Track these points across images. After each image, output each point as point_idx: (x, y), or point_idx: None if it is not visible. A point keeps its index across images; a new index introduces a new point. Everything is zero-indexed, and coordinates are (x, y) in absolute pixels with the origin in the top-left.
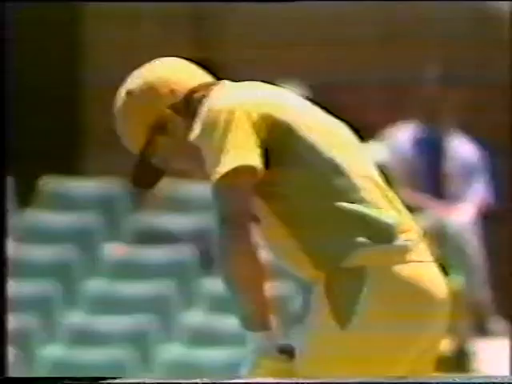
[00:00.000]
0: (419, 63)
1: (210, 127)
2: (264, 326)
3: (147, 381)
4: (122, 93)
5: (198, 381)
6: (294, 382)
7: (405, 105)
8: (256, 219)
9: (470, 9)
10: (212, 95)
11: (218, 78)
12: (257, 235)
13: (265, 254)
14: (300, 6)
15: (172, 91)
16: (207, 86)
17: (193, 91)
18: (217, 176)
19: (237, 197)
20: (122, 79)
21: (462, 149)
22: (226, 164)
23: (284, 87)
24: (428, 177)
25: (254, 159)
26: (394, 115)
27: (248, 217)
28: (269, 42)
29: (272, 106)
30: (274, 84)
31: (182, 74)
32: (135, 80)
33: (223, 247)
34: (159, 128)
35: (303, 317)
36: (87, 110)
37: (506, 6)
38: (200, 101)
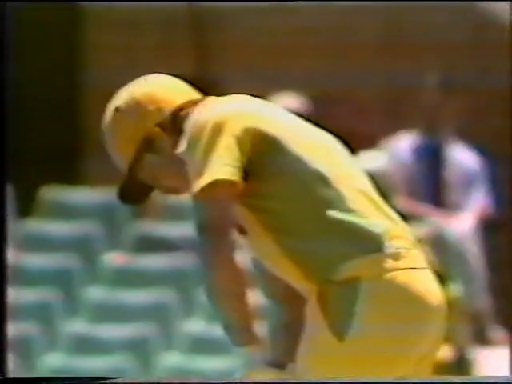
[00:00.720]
0: (419, 71)
1: (194, 140)
2: (249, 339)
3: (147, 381)
4: (110, 109)
5: (195, 381)
6: (293, 381)
7: (404, 113)
8: (243, 231)
9: (470, 15)
10: (198, 110)
11: (207, 95)
12: (240, 246)
13: (248, 265)
14: (299, 15)
15: (159, 109)
16: (194, 103)
17: (179, 108)
18: (195, 189)
19: (214, 209)
20: (123, 85)
21: (461, 156)
22: (205, 177)
23: (277, 100)
24: (427, 185)
25: (232, 173)
26: (394, 123)
27: (227, 229)
28: (268, 50)
29: (257, 119)
30: (270, 95)
31: (170, 92)
32: (123, 97)
33: (202, 259)
34: (147, 145)
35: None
36: (88, 117)
37: (506, 12)
38: (187, 117)
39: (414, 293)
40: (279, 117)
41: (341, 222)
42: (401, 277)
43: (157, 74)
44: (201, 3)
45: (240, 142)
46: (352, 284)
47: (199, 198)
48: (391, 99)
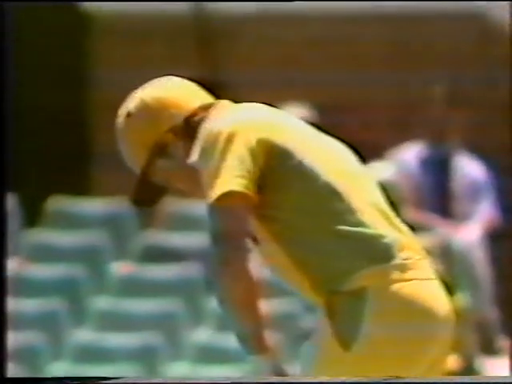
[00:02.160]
0: (425, 83)
1: (208, 149)
2: (262, 348)
3: (147, 381)
4: (122, 113)
5: (194, 381)
6: (293, 381)
7: (411, 124)
8: (256, 240)
9: (476, 28)
10: (211, 117)
11: (219, 99)
12: (253, 256)
13: (264, 272)
14: (307, 25)
15: (171, 115)
16: (207, 108)
17: (193, 114)
18: (209, 200)
19: (228, 219)
20: (130, 93)
21: (468, 167)
22: (218, 188)
23: (285, 110)
24: (435, 195)
25: (243, 185)
26: (401, 134)
27: (241, 239)
28: (276, 62)
29: (270, 129)
30: (278, 105)
31: (182, 97)
32: (135, 101)
33: (215, 269)
34: (159, 150)
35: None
36: (95, 127)
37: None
38: (200, 123)
39: (421, 303)
40: (292, 127)
41: (350, 234)
42: (408, 287)
43: (169, 77)
44: (208, 12)
45: (253, 153)
46: (359, 294)
47: (213, 208)
48: (398, 111)
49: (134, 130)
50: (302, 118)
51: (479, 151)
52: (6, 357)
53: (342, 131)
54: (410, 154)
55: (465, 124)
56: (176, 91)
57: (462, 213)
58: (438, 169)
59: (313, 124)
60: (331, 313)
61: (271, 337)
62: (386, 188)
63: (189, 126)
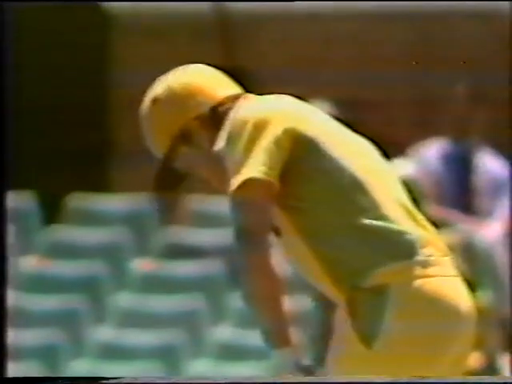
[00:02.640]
0: (448, 81)
1: (234, 138)
2: (284, 342)
3: (147, 381)
4: (148, 98)
5: (197, 380)
6: (293, 381)
7: (433, 121)
8: (278, 231)
9: (499, 26)
10: (238, 106)
11: (246, 89)
12: (276, 248)
13: (287, 267)
14: (328, 23)
15: (198, 103)
16: (234, 98)
17: (220, 103)
18: (232, 188)
19: (251, 210)
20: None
21: (490, 164)
22: (241, 176)
23: (311, 103)
24: (457, 192)
25: (268, 173)
26: (423, 131)
27: (263, 229)
28: (296, 59)
29: (297, 120)
30: (301, 100)
31: (209, 85)
32: (162, 87)
33: (239, 262)
34: (183, 137)
35: (331, 333)
36: (116, 124)
37: None
38: (226, 113)
39: (443, 300)
40: (318, 119)
41: (373, 229)
42: (430, 284)
43: (197, 65)
44: (229, 10)
45: (279, 142)
46: (381, 290)
47: (236, 197)
48: (420, 108)
49: (160, 116)
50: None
51: (501, 149)
52: (6, 357)
53: (365, 128)
54: (432, 151)
55: (487, 122)
56: (204, 79)
57: (483, 209)
58: (460, 165)
59: (337, 119)
60: (352, 309)
61: (294, 333)
62: (407, 184)
63: (215, 116)
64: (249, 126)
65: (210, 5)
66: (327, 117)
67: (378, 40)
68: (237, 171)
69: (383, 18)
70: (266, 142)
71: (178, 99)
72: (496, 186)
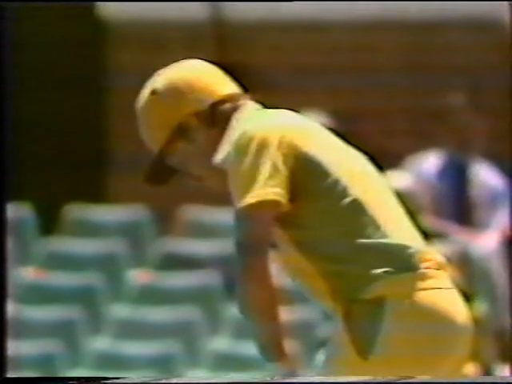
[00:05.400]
0: (445, 91)
1: (239, 152)
2: (280, 355)
3: (147, 381)
4: (147, 90)
5: (195, 380)
6: (294, 381)
7: (430, 132)
8: (274, 246)
9: (497, 35)
10: (242, 115)
11: (245, 89)
12: (274, 262)
13: (284, 280)
14: (325, 32)
15: (197, 99)
16: (235, 99)
17: (220, 101)
18: (242, 205)
19: (257, 227)
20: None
21: (487, 176)
22: (253, 195)
23: (308, 116)
24: (453, 203)
25: (280, 194)
26: (420, 142)
27: (266, 245)
28: (293, 69)
29: (301, 138)
30: (298, 112)
31: (210, 82)
32: (162, 80)
33: (239, 274)
34: (180, 132)
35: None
36: (112, 135)
37: None
38: (227, 114)
39: (440, 312)
40: (320, 135)
41: (371, 244)
42: (427, 296)
43: (198, 61)
44: (225, 19)
45: (286, 160)
46: (378, 303)
47: (243, 213)
48: (417, 119)
49: (158, 109)
50: (322, 125)
51: (499, 159)
52: (5, 357)
53: (360, 138)
54: (429, 162)
55: (485, 132)
56: (205, 75)
57: (480, 221)
58: (456, 177)
59: (331, 130)
60: (349, 321)
61: (289, 344)
62: (404, 197)
63: (214, 113)
64: (254, 143)
65: (206, 14)
66: (326, 131)
67: (375, 49)
68: (246, 189)
69: (380, 27)
70: (273, 159)
71: (178, 93)
72: (492, 197)
